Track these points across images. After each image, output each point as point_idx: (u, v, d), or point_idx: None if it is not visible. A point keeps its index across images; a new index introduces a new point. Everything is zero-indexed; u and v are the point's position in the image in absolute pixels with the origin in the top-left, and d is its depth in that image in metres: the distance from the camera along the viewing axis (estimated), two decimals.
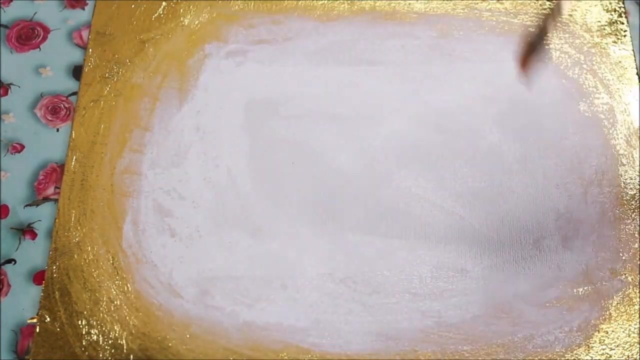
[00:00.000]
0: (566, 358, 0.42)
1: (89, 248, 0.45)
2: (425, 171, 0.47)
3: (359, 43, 0.51)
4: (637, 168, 0.47)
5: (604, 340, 0.43)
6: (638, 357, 0.42)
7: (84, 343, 0.42)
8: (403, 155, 0.48)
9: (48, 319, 0.43)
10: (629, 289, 0.44)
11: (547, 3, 0.53)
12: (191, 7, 0.53)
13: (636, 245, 0.45)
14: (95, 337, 0.42)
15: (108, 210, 0.46)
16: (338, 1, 0.53)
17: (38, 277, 0.45)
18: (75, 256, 0.44)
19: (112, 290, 0.44)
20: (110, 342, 0.42)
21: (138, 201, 0.46)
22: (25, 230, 0.46)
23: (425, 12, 0.53)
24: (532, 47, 0.39)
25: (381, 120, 0.49)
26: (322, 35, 0.52)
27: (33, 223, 0.46)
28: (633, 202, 0.46)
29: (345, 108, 0.49)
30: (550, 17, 0.39)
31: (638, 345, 0.42)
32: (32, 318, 0.43)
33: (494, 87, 0.50)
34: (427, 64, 0.51)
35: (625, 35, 0.52)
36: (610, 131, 0.48)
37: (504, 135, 0.48)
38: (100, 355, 0.42)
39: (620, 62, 0.51)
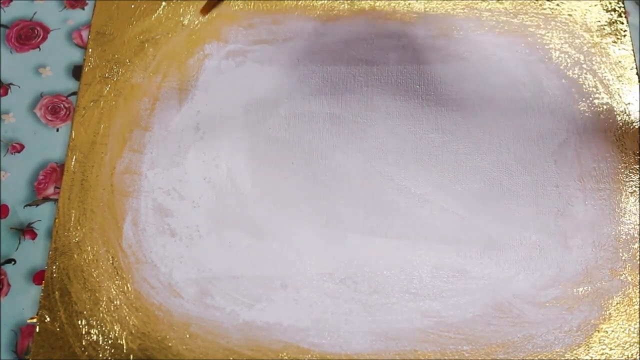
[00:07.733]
0: (566, 358, 0.42)
1: (89, 248, 0.45)
2: (425, 171, 0.47)
3: (358, 43, 0.51)
4: (637, 168, 0.47)
5: (604, 340, 0.43)
6: (638, 357, 0.42)
7: (83, 343, 0.42)
8: (403, 155, 0.48)
9: (48, 319, 0.43)
10: (629, 288, 0.44)
11: (547, 3, 0.53)
12: (191, 7, 0.53)
13: (636, 245, 0.45)
14: (95, 337, 0.42)
15: (108, 210, 0.46)
16: (338, 1, 0.53)
17: (38, 277, 0.45)
18: (75, 256, 0.44)
19: (112, 290, 0.43)
20: (110, 342, 0.42)
21: (138, 201, 0.46)
22: (25, 230, 0.46)
23: (425, 12, 0.53)
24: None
25: (381, 120, 0.49)
26: (322, 35, 0.52)
27: (33, 223, 0.46)
28: (633, 202, 0.46)
29: (345, 108, 0.49)
30: None
31: (638, 345, 0.42)
32: (32, 318, 0.43)
33: (494, 87, 0.50)
34: (426, 64, 0.51)
35: (625, 35, 0.52)
36: (610, 131, 0.48)
37: (503, 135, 0.48)
38: (100, 355, 0.42)
39: (620, 62, 0.51)
